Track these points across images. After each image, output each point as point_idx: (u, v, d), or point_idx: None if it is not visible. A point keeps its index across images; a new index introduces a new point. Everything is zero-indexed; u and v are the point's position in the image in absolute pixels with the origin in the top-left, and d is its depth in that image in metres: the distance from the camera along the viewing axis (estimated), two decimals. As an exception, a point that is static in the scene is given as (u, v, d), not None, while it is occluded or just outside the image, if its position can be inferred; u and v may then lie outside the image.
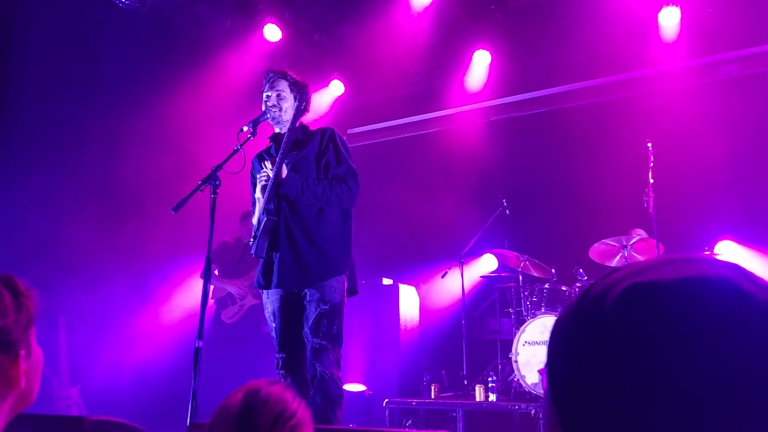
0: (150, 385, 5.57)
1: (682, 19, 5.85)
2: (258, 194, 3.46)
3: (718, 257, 0.62)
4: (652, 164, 4.99)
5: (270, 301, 3.43)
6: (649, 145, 5.05)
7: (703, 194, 5.70)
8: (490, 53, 6.72)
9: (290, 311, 3.36)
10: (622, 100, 6.42)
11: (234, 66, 6.62)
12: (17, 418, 1.12)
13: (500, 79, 6.92)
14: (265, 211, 3.33)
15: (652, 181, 4.93)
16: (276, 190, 3.35)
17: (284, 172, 3.38)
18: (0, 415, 1.07)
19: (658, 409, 0.54)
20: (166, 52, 6.33)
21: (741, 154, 5.66)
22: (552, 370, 0.63)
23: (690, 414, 0.53)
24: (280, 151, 3.41)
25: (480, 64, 6.84)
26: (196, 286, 6.05)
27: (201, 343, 3.04)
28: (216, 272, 5.83)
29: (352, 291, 3.49)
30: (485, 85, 6.94)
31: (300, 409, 1.37)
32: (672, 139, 5.56)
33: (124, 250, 5.89)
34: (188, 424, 2.75)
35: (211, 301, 5.90)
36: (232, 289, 5.71)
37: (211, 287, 6.19)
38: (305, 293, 3.32)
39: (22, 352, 1.08)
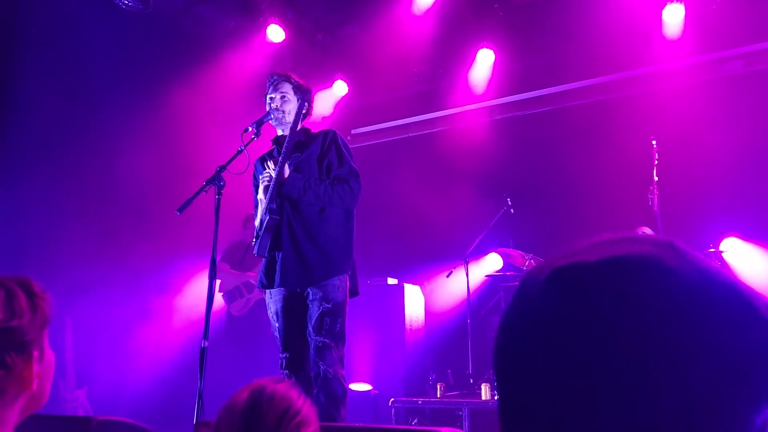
0: (157, 386, 5.58)
1: (686, 15, 5.84)
2: (260, 195, 3.47)
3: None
4: (656, 162, 4.98)
5: (273, 301, 3.44)
6: (654, 142, 5.04)
7: (708, 191, 5.68)
8: (494, 52, 6.72)
9: (293, 311, 3.37)
10: (626, 97, 6.41)
11: (237, 67, 6.63)
12: (26, 419, 1.12)
13: (504, 77, 6.91)
14: (268, 210, 3.35)
15: (656, 178, 4.93)
16: (278, 189, 3.36)
17: (286, 172, 3.39)
18: (11, 416, 1.07)
19: (571, 393, 0.54)
20: (169, 53, 6.34)
21: (746, 151, 5.65)
22: (495, 359, 0.64)
23: (604, 397, 0.53)
24: (283, 151, 3.43)
25: (483, 63, 6.83)
26: (201, 286, 6.06)
27: (207, 343, 3.05)
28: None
29: (354, 292, 3.50)
30: (489, 83, 6.93)
31: (305, 407, 1.38)
32: (677, 137, 5.55)
33: (130, 250, 5.91)
34: (194, 423, 2.75)
35: (219, 294, 5.94)
36: (239, 281, 5.75)
37: (218, 281, 6.24)
38: (308, 292, 3.33)
39: (36, 354, 1.08)
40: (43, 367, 1.11)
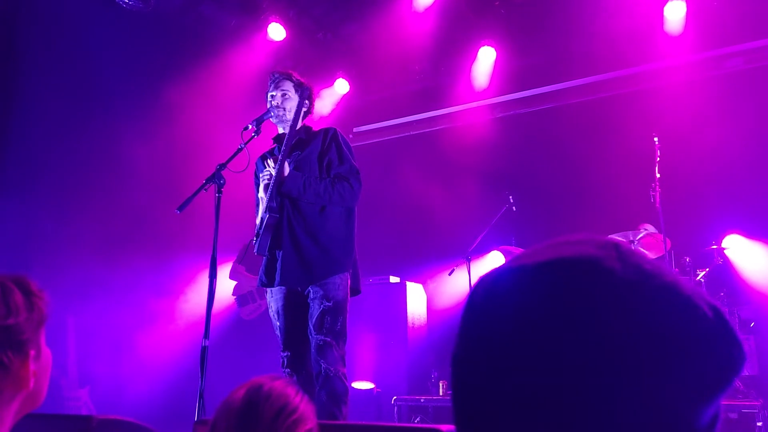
0: (159, 386, 5.59)
1: (687, 12, 5.82)
2: (261, 193, 3.47)
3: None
4: (658, 159, 4.97)
5: (274, 299, 3.43)
6: (656, 139, 5.03)
7: (710, 188, 5.66)
8: (495, 49, 6.70)
9: (294, 309, 3.36)
10: (628, 94, 6.39)
11: (238, 65, 6.63)
12: (25, 418, 1.12)
13: (505, 75, 6.90)
14: (268, 208, 3.34)
15: (658, 175, 4.91)
16: (278, 188, 3.36)
17: (286, 170, 3.38)
18: (8, 415, 1.07)
19: (510, 398, 0.56)
20: (170, 51, 6.34)
21: (748, 148, 5.63)
22: (452, 357, 0.66)
23: (540, 397, 0.54)
24: (283, 149, 3.42)
25: (485, 61, 6.82)
26: (203, 285, 6.06)
27: (207, 342, 3.05)
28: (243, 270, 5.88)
29: (355, 290, 3.49)
30: (490, 81, 6.92)
31: (302, 404, 1.37)
32: (678, 134, 5.53)
33: (132, 250, 5.91)
34: (194, 422, 2.75)
35: (232, 298, 5.94)
36: (254, 284, 5.75)
37: (234, 283, 6.25)
38: (309, 291, 3.32)
39: (32, 353, 1.08)
40: (40, 366, 1.11)
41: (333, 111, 7.44)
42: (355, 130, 7.89)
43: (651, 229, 5.37)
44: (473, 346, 0.60)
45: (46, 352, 1.13)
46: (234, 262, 5.65)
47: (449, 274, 6.24)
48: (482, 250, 6.52)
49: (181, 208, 3.17)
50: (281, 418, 1.32)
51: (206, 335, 3.04)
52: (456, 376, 0.63)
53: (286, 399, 1.35)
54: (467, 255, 6.10)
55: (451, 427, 2.10)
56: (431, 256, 6.94)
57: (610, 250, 0.60)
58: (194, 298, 6.19)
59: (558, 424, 0.54)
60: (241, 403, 1.33)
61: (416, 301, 6.43)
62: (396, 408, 5.46)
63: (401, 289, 6.31)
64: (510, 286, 0.60)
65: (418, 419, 5.48)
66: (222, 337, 5.84)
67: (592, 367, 0.54)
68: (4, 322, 1.03)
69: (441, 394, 5.67)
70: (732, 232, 5.57)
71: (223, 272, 5.63)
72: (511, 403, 0.56)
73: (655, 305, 0.56)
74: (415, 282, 6.54)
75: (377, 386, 5.91)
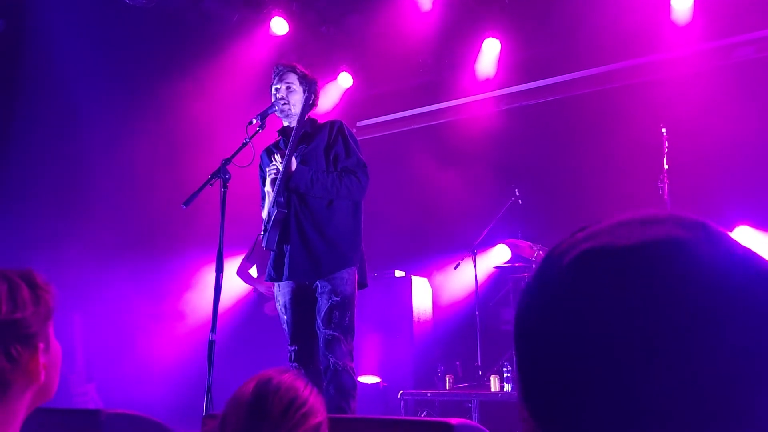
0: (166, 381, 5.59)
1: (695, 1, 5.77)
2: (268, 187, 3.46)
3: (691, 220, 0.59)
4: (666, 150, 4.94)
5: (281, 293, 3.43)
6: (664, 131, 5.00)
7: (719, 180, 5.62)
8: (500, 41, 6.67)
9: (302, 303, 3.36)
10: (635, 85, 6.35)
11: (241, 60, 6.61)
12: (35, 412, 1.12)
13: (511, 67, 6.86)
14: (276, 203, 3.33)
15: (666, 167, 4.89)
16: (286, 183, 3.34)
17: (294, 164, 3.37)
18: (20, 408, 1.08)
19: (594, 380, 0.52)
20: (173, 47, 6.33)
21: (758, 138, 5.58)
22: (515, 336, 0.62)
23: (626, 385, 0.51)
24: (290, 144, 3.41)
25: (490, 53, 6.78)
26: (210, 280, 6.05)
27: (214, 337, 3.05)
28: (254, 268, 5.83)
29: (362, 284, 3.49)
30: (496, 73, 6.88)
31: (311, 397, 1.37)
32: (687, 125, 5.49)
33: (138, 245, 5.91)
34: (203, 416, 2.75)
35: (239, 292, 5.92)
36: (261, 288, 5.70)
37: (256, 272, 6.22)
38: (316, 285, 3.32)
39: (41, 346, 1.09)
40: (50, 359, 1.11)
41: (337, 105, 7.41)
42: (358, 123, 7.87)
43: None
44: (558, 330, 0.56)
45: (56, 346, 1.14)
46: (243, 260, 5.63)
47: (455, 268, 6.23)
48: (488, 244, 6.50)
49: (187, 203, 3.18)
50: (291, 411, 1.32)
51: (213, 330, 3.05)
52: (532, 351, 0.59)
53: (296, 392, 1.35)
54: (473, 248, 6.09)
55: (461, 420, 2.08)
56: (436, 250, 6.92)
57: (698, 230, 0.56)
58: (201, 293, 6.17)
59: (641, 409, 0.51)
60: (250, 396, 1.33)
61: (422, 295, 6.42)
62: (402, 402, 5.45)
63: (406, 283, 6.30)
64: (603, 268, 0.55)
65: (424, 413, 5.47)
66: (230, 332, 5.83)
67: (680, 359, 0.50)
68: (11, 316, 1.04)
69: (447, 388, 5.66)
70: (741, 224, 5.53)
71: (229, 267, 5.63)
72: (597, 396, 0.53)
73: (751, 295, 0.52)
74: (421, 276, 6.53)
75: (383, 380, 5.91)
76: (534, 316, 0.59)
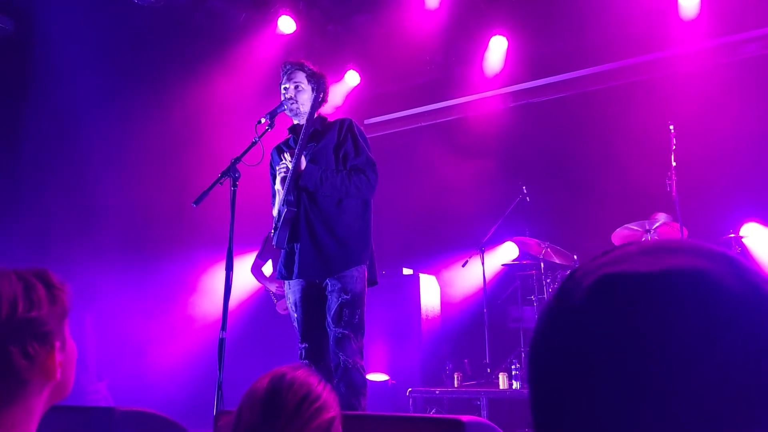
0: (177, 379, 5.62)
1: (702, -3, 5.76)
2: (278, 186, 3.47)
3: (729, 242, 0.59)
4: (674, 147, 4.92)
5: (292, 291, 3.44)
6: (671, 127, 4.98)
7: (727, 176, 5.61)
8: (507, 38, 6.67)
9: (312, 301, 3.37)
10: (642, 82, 6.33)
11: (249, 59, 6.63)
12: (50, 410, 1.14)
13: (518, 64, 6.86)
14: (285, 202, 3.35)
15: (674, 164, 4.87)
16: (295, 181, 3.36)
17: (303, 163, 3.38)
18: (38, 406, 1.09)
19: (611, 406, 0.52)
20: (181, 46, 6.35)
21: (765, 135, 5.57)
22: (530, 356, 0.62)
23: (643, 412, 0.51)
24: (299, 142, 3.42)
25: (497, 50, 6.78)
26: (220, 279, 6.08)
27: (224, 334, 3.07)
28: (268, 264, 5.85)
29: (372, 282, 3.50)
30: (503, 70, 6.88)
31: (325, 393, 1.39)
32: (694, 121, 5.48)
33: (148, 244, 5.94)
34: (214, 413, 2.77)
35: (250, 291, 5.93)
36: (273, 287, 5.73)
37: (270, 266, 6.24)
38: (326, 283, 3.33)
39: (57, 344, 1.10)
40: (66, 357, 1.13)
41: (344, 103, 7.42)
42: (366, 121, 7.88)
43: (667, 218, 5.33)
44: (576, 352, 0.56)
45: (71, 344, 1.16)
46: (256, 258, 5.65)
47: (463, 266, 6.24)
48: (496, 241, 6.50)
49: (197, 201, 3.20)
50: (304, 406, 1.33)
51: (223, 327, 3.06)
52: (541, 372, 0.59)
53: (309, 387, 1.37)
54: (481, 246, 6.09)
55: (472, 417, 2.09)
56: (444, 248, 6.93)
57: (722, 263, 0.55)
58: (211, 291, 6.21)
59: None
60: (264, 391, 1.35)
61: (430, 292, 6.42)
62: (411, 400, 5.47)
63: (414, 281, 6.31)
64: (624, 293, 0.55)
65: (433, 411, 5.48)
66: (240, 330, 5.86)
67: (700, 390, 0.50)
68: (27, 314, 1.05)
69: (456, 385, 5.67)
70: (750, 221, 5.51)
71: (240, 265, 5.65)
72: (613, 424, 0.53)
73: None
74: (429, 274, 6.53)
75: (391, 378, 5.92)
76: (551, 337, 0.59)
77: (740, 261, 0.56)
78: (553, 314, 0.60)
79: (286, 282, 3.49)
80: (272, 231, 3.45)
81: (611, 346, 0.53)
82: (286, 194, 3.35)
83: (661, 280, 0.54)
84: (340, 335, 3.21)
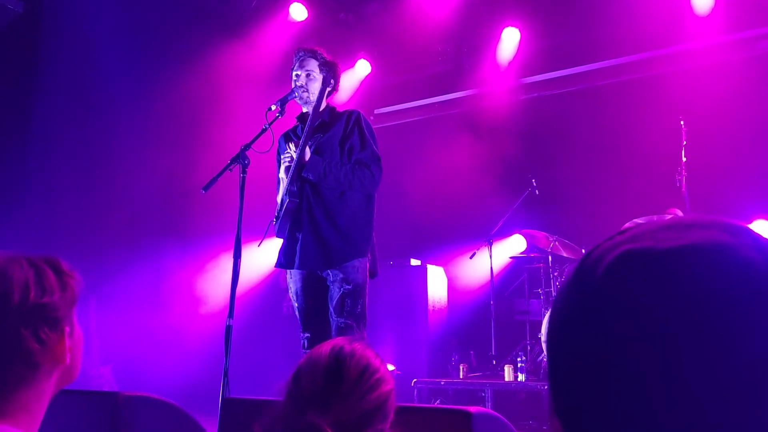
0: (183, 365, 5.64)
1: (717, -8, 5.70)
2: (282, 174, 3.46)
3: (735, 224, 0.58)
4: (685, 143, 4.89)
5: (293, 280, 3.45)
6: (682, 122, 4.95)
7: (738, 172, 5.57)
8: (519, 31, 6.63)
9: (313, 291, 3.38)
10: (654, 77, 6.28)
11: (260, 45, 6.61)
12: (56, 394, 1.16)
13: (529, 57, 6.82)
14: (288, 192, 3.34)
15: (685, 159, 4.84)
16: (298, 172, 3.35)
17: (307, 154, 3.36)
18: (47, 389, 1.12)
19: (631, 382, 0.52)
20: (192, 32, 6.34)
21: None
22: (549, 336, 0.61)
23: (664, 388, 0.51)
24: (304, 133, 3.40)
25: (509, 42, 6.75)
26: (228, 266, 6.09)
27: (231, 322, 3.07)
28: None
29: (373, 273, 3.49)
30: (514, 63, 6.85)
31: (382, 366, 1.42)
32: (706, 117, 5.43)
33: (155, 229, 5.96)
34: (220, 401, 2.77)
35: (257, 278, 5.94)
36: None
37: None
38: (328, 273, 3.33)
39: (67, 329, 1.13)
40: (74, 342, 1.16)
41: (354, 92, 7.40)
42: (376, 111, 7.86)
43: (678, 213, 5.30)
44: (596, 330, 0.55)
45: (78, 330, 1.19)
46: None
47: (470, 258, 6.23)
48: (504, 233, 6.49)
49: (206, 188, 3.20)
50: (365, 377, 1.36)
51: (230, 314, 3.07)
52: (565, 353, 0.59)
53: (369, 359, 1.39)
54: (489, 238, 6.08)
55: (480, 408, 2.09)
56: (452, 239, 6.92)
57: (744, 236, 0.55)
58: (219, 278, 6.22)
59: (674, 414, 0.50)
60: (327, 359, 1.37)
61: (437, 284, 6.43)
62: (416, 390, 5.48)
63: (422, 271, 6.31)
64: (644, 269, 0.54)
65: (438, 402, 5.49)
66: (247, 317, 5.87)
67: (721, 365, 0.50)
68: (39, 300, 1.08)
69: (461, 377, 5.68)
70: (760, 218, 5.47)
71: (248, 253, 5.67)
72: (632, 399, 0.52)
73: None
74: (436, 265, 6.53)
75: (397, 369, 5.93)
76: (571, 314, 0.59)
77: (759, 234, 0.56)
78: (572, 292, 0.60)
79: (288, 271, 3.49)
80: (273, 220, 3.45)
81: (633, 323, 0.53)
82: (289, 184, 3.34)
83: (683, 255, 0.54)
84: (342, 325, 3.21)
